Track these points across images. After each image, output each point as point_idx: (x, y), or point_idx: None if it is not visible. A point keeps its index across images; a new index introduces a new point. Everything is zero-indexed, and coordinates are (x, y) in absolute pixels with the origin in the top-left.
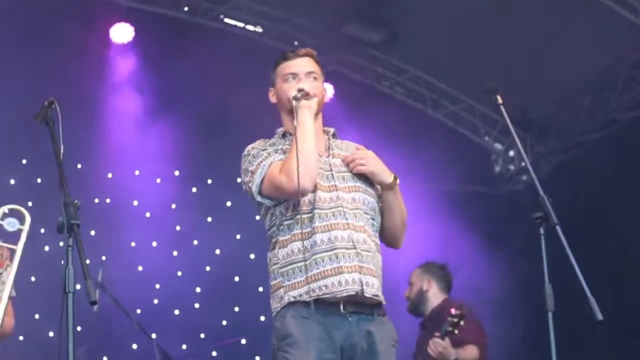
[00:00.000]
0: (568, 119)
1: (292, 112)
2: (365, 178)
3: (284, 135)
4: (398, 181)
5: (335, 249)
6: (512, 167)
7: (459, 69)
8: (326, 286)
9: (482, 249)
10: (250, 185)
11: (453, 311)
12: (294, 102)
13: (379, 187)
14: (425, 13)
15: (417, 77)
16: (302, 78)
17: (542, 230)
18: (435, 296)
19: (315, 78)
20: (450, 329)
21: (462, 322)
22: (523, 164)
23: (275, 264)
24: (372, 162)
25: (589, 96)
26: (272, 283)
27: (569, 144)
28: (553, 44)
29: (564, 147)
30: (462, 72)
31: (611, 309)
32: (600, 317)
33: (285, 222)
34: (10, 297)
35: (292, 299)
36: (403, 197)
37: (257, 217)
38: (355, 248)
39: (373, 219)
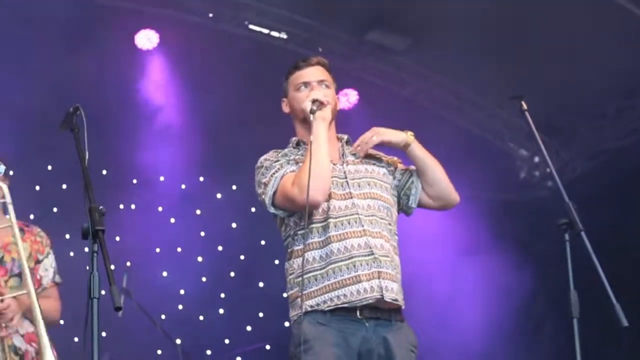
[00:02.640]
0: (593, 126)
1: (305, 122)
2: (378, 184)
3: (297, 144)
4: (413, 135)
5: (352, 257)
6: (537, 173)
7: (484, 75)
8: (344, 295)
9: (507, 254)
10: (263, 197)
11: None
12: (310, 116)
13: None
14: (450, 19)
15: (442, 83)
16: (315, 86)
17: (567, 237)
18: None
19: (327, 86)
20: None
21: None
22: (548, 170)
23: (291, 274)
24: (380, 132)
25: (614, 103)
26: (289, 293)
27: (594, 151)
28: (578, 50)
29: (589, 153)
30: (487, 78)
31: (637, 316)
32: (625, 323)
33: (300, 232)
34: (57, 284)
35: (309, 308)
36: None
37: None
38: (372, 254)
39: (390, 225)
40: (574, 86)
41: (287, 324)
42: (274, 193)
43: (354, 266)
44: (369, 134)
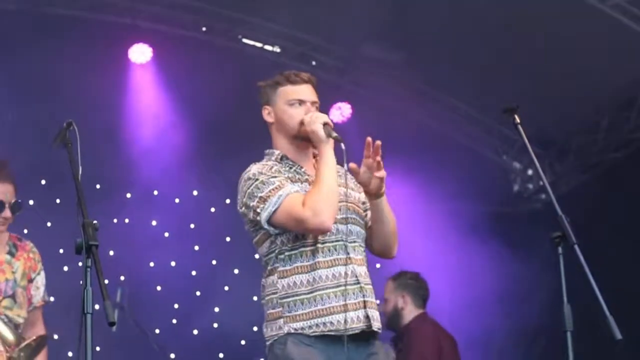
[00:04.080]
0: (587, 139)
1: (296, 138)
2: (355, 210)
3: (281, 159)
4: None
5: (340, 285)
6: (530, 186)
7: (477, 88)
8: (332, 323)
9: (500, 267)
10: (258, 210)
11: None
12: (323, 136)
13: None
14: (443, 33)
15: (435, 96)
16: (310, 107)
17: (560, 250)
18: (410, 313)
19: (317, 108)
20: None
21: None
22: (541, 183)
23: (273, 293)
24: (384, 173)
25: (608, 115)
26: (269, 311)
27: (587, 163)
28: (572, 63)
29: (582, 166)
30: (480, 91)
31: (630, 329)
32: (619, 336)
33: (287, 253)
34: (45, 302)
35: (292, 330)
36: (422, 216)
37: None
38: (359, 283)
39: (364, 251)
40: (568, 99)
41: None
42: (275, 211)
43: (342, 294)
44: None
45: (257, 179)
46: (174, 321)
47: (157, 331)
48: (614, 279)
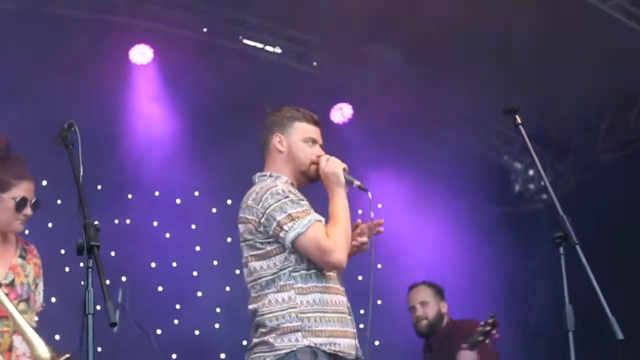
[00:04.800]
0: (587, 138)
1: (303, 173)
2: None
3: (291, 184)
4: None
5: (343, 313)
6: (531, 186)
7: (479, 89)
8: (340, 344)
9: (502, 267)
10: (285, 227)
11: (486, 322)
12: (343, 181)
13: None
14: (445, 33)
15: (437, 96)
16: (319, 149)
17: (561, 250)
18: (446, 317)
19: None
20: (481, 338)
21: (494, 331)
22: (542, 183)
23: (292, 308)
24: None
25: (609, 115)
26: (283, 325)
27: (588, 163)
28: (572, 63)
29: (583, 166)
30: (482, 91)
31: (631, 329)
32: (621, 336)
33: (303, 271)
34: (43, 307)
35: (312, 344)
36: (422, 217)
37: None
38: (350, 314)
39: None
40: (568, 99)
41: None
42: (302, 233)
43: (343, 322)
44: None
45: (286, 196)
46: (176, 322)
47: (159, 332)
48: (615, 279)
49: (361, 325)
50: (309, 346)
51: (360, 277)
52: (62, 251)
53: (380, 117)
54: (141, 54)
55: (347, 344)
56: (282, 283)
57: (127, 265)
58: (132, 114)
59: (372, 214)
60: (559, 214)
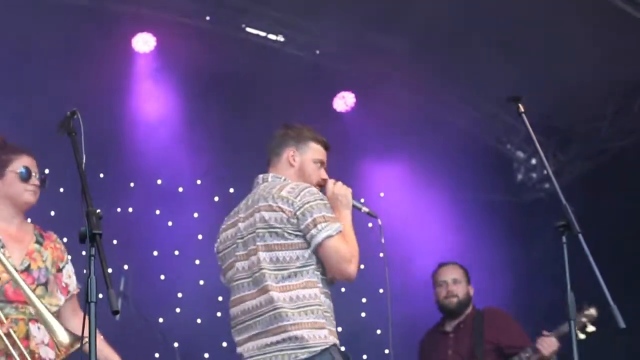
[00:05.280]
0: (591, 127)
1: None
2: None
3: None
4: None
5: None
6: (534, 176)
7: (482, 77)
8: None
9: (504, 257)
10: (319, 226)
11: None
12: (350, 204)
13: None
14: (448, 20)
15: (440, 84)
16: (324, 172)
17: (564, 239)
18: (471, 302)
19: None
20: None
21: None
22: (545, 172)
23: (319, 305)
24: None
25: (613, 104)
26: (313, 320)
27: (592, 152)
28: (576, 51)
29: (586, 155)
30: (485, 79)
31: (634, 317)
32: (622, 324)
33: (320, 275)
34: (80, 289)
35: (336, 342)
36: (424, 205)
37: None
38: None
39: None
40: (572, 87)
41: None
42: (331, 237)
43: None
44: None
45: (322, 198)
46: (178, 310)
47: (161, 320)
48: (617, 268)
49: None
50: (334, 344)
51: (362, 266)
52: (65, 239)
53: (383, 105)
54: (144, 42)
55: None
56: (307, 279)
57: (129, 253)
58: (134, 102)
59: (382, 240)
60: (562, 202)
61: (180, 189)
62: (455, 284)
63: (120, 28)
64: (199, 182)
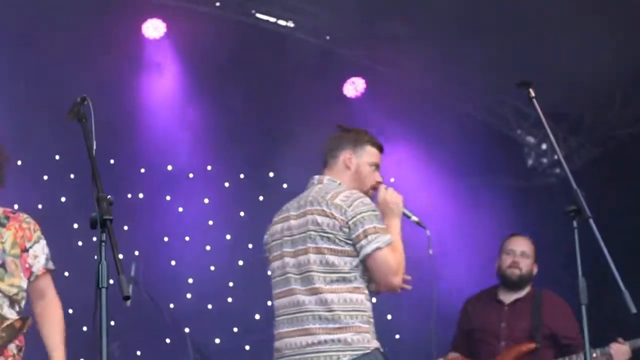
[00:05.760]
0: (601, 112)
1: (365, 193)
2: None
3: None
4: None
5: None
6: (544, 161)
7: (492, 63)
8: None
9: None
10: (369, 237)
11: None
12: (401, 212)
13: None
14: (458, 7)
15: (449, 70)
16: (379, 175)
17: (575, 224)
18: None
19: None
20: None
21: None
22: (556, 157)
23: (363, 311)
24: None
25: (623, 89)
26: (358, 324)
27: (602, 137)
28: (586, 37)
29: (597, 140)
30: (495, 65)
31: None
32: (634, 309)
33: (366, 283)
34: (49, 270)
35: (378, 347)
36: (435, 190)
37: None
38: None
39: None
40: (582, 73)
41: None
42: (380, 248)
43: None
44: None
45: (374, 210)
46: (189, 296)
47: (172, 306)
48: (628, 252)
49: (374, 300)
50: (377, 348)
51: None
52: (75, 225)
53: (393, 91)
54: (154, 29)
55: None
56: (355, 285)
57: (140, 239)
58: (144, 88)
59: (430, 251)
60: (573, 187)
61: (191, 175)
62: (523, 256)
63: (130, 14)
64: (209, 168)
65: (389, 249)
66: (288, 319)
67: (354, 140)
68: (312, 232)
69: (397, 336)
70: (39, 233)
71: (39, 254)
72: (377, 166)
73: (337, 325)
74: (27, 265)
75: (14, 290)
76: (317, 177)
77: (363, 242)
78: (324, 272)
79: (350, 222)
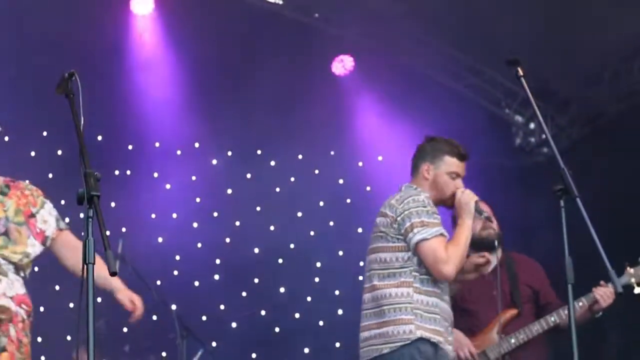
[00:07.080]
0: (589, 91)
1: (444, 201)
2: None
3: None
4: None
5: (450, 323)
6: (532, 140)
7: (480, 41)
8: (446, 349)
9: (502, 220)
10: (415, 230)
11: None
12: (472, 212)
13: None
14: None
15: (438, 48)
16: (460, 182)
17: (562, 203)
18: None
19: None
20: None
21: None
22: (544, 136)
23: (409, 303)
24: None
25: (611, 67)
26: (399, 316)
27: (590, 116)
28: (575, 15)
29: (585, 119)
30: (483, 43)
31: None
32: (620, 289)
33: (421, 276)
34: (63, 229)
35: (424, 336)
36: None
37: (277, 189)
38: (452, 326)
39: None
40: (570, 51)
41: (282, 289)
42: (426, 239)
43: (449, 332)
44: None
45: (425, 206)
46: (175, 273)
47: (158, 282)
48: (616, 231)
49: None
50: (421, 337)
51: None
52: (62, 202)
53: (381, 69)
54: (142, 5)
55: (450, 350)
56: (402, 279)
57: (127, 216)
58: (132, 64)
59: (498, 254)
60: (561, 166)
61: (179, 152)
62: (491, 220)
63: None
64: (197, 145)
65: (437, 240)
66: (361, 314)
67: (432, 151)
68: (374, 234)
69: None
70: (42, 198)
71: (47, 217)
72: (457, 175)
73: (382, 320)
74: (37, 231)
75: (18, 257)
76: (402, 185)
77: (410, 234)
78: (378, 269)
79: (399, 218)
